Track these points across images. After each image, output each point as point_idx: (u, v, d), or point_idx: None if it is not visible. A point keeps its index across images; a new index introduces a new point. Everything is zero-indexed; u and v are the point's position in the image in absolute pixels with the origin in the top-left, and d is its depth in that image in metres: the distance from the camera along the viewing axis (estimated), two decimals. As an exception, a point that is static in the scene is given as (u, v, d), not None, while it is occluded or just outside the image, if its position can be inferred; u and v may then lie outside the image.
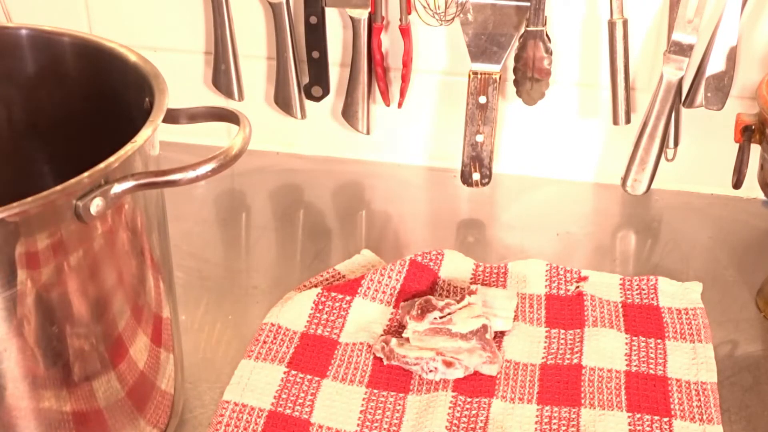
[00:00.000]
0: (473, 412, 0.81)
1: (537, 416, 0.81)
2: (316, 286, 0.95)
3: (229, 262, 1.03)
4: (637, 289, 0.95)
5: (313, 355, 0.87)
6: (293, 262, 1.03)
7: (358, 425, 0.80)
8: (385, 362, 0.86)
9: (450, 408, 0.81)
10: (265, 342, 0.88)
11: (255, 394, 0.82)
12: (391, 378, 0.85)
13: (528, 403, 0.83)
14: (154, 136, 0.65)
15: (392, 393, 0.84)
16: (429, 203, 1.15)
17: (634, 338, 0.89)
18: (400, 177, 1.18)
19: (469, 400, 0.82)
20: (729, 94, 1.04)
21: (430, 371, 0.84)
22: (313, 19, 1.10)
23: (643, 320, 0.90)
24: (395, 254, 1.01)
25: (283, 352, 0.87)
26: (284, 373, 0.85)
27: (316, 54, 1.12)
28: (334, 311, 0.91)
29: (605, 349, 0.87)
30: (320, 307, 0.91)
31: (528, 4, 1.03)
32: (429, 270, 0.96)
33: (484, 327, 0.86)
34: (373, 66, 1.11)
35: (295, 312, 0.91)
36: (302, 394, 0.83)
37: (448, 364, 0.84)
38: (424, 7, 1.05)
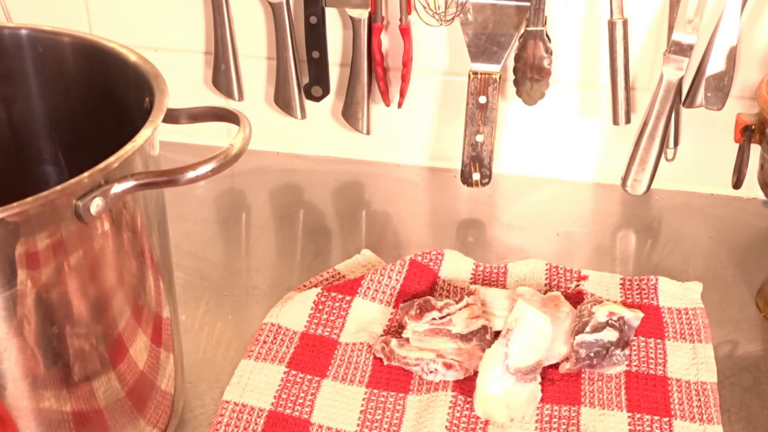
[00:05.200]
0: (473, 412, 0.81)
1: (537, 415, 0.81)
2: (316, 286, 0.95)
3: (229, 262, 1.03)
4: (637, 289, 0.95)
5: (313, 355, 0.87)
6: (293, 262, 1.03)
7: (358, 425, 0.80)
8: (385, 363, 0.86)
9: (450, 408, 0.81)
10: (265, 342, 0.88)
11: (255, 394, 0.82)
12: (391, 378, 0.85)
13: (528, 403, 0.83)
14: (154, 136, 0.65)
15: (392, 393, 0.84)
16: (429, 203, 1.15)
17: (633, 338, 0.89)
18: (400, 177, 1.18)
19: (469, 400, 0.82)
20: (729, 94, 1.04)
21: (431, 372, 0.84)
22: (313, 19, 1.10)
23: (643, 320, 0.90)
24: (395, 254, 1.01)
25: (283, 352, 0.87)
26: (284, 373, 0.85)
27: (316, 54, 1.12)
28: (334, 311, 0.91)
29: (605, 349, 0.87)
30: (320, 307, 0.91)
31: (528, 4, 1.03)
32: (429, 270, 0.96)
33: (484, 328, 0.86)
34: (373, 66, 1.11)
35: (295, 312, 0.91)
36: (302, 394, 0.83)
37: (449, 366, 0.84)
38: (424, 7, 1.05)
